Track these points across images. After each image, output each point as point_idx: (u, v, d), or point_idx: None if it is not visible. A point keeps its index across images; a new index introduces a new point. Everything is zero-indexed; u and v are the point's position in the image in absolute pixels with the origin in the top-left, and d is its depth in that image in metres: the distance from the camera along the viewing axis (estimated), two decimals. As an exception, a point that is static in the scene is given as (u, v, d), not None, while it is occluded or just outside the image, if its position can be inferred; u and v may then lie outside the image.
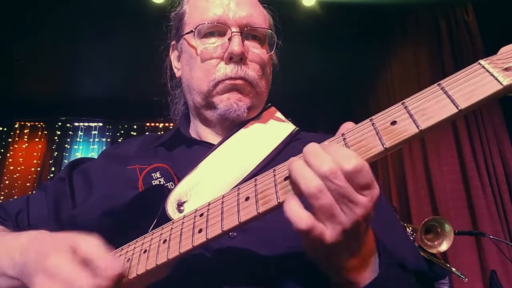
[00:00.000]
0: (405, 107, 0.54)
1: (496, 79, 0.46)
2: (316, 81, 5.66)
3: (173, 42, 1.17)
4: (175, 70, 1.17)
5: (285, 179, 0.59)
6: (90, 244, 0.65)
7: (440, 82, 0.52)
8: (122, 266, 0.65)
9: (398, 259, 0.81)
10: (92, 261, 0.63)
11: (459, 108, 0.48)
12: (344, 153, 0.54)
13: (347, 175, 0.53)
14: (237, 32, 0.98)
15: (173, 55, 1.18)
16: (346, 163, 0.53)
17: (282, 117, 1.13)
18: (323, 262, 0.63)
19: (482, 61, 0.49)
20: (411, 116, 0.52)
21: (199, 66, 1.02)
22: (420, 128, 0.51)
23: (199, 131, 1.10)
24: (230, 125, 1.03)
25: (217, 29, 1.01)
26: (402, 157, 4.45)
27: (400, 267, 0.71)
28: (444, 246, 2.95)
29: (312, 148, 0.57)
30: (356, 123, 0.59)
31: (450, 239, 2.93)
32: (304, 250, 0.64)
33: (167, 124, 6.64)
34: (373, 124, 0.56)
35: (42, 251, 0.67)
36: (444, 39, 4.28)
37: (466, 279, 2.71)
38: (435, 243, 2.98)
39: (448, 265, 2.87)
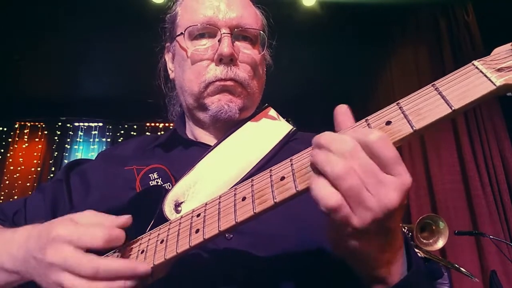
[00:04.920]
0: (400, 108, 0.54)
1: (489, 79, 0.47)
2: (315, 82, 5.66)
3: (167, 44, 1.18)
4: (169, 71, 1.18)
5: (281, 179, 0.60)
6: (87, 214, 0.70)
7: (434, 82, 0.53)
8: (125, 217, 0.70)
9: None
10: (95, 222, 0.68)
11: (453, 108, 0.49)
12: (364, 130, 0.53)
13: (371, 150, 0.52)
14: (227, 33, 0.99)
15: (167, 57, 1.19)
16: (369, 136, 0.52)
17: (279, 117, 1.13)
18: (352, 256, 0.61)
19: (475, 62, 0.50)
20: (405, 116, 0.53)
21: (190, 68, 1.02)
22: (414, 128, 0.52)
23: (194, 132, 1.10)
24: (223, 126, 1.04)
25: (207, 31, 1.02)
26: (402, 157, 4.38)
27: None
28: (440, 244, 2.95)
29: (328, 136, 0.55)
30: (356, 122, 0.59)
31: (445, 236, 2.93)
32: (332, 247, 0.63)
33: (167, 124, 6.63)
34: (368, 124, 0.56)
35: (43, 231, 0.69)
36: (444, 39, 4.27)
37: (476, 279, 2.68)
38: (431, 241, 2.98)
39: (456, 265, 2.86)
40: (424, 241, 2.98)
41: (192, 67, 1.02)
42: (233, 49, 0.98)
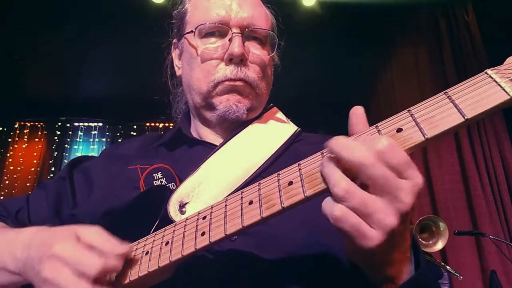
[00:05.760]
0: (411, 115, 0.53)
1: (504, 89, 0.46)
2: (315, 82, 5.65)
3: (174, 40, 1.17)
4: (176, 68, 1.17)
5: (289, 184, 0.59)
6: (93, 232, 0.68)
7: (447, 90, 0.52)
8: (126, 247, 0.67)
9: None
10: (97, 245, 0.65)
11: (466, 117, 0.48)
12: (372, 139, 0.52)
13: (381, 158, 0.51)
14: (238, 33, 0.98)
15: (174, 53, 1.18)
16: (377, 145, 0.51)
17: (284, 118, 1.13)
18: (364, 260, 0.61)
19: (489, 71, 0.49)
20: (417, 124, 0.52)
21: (199, 66, 1.02)
22: (426, 137, 0.51)
23: (200, 131, 1.10)
24: (230, 126, 1.03)
25: (218, 30, 1.01)
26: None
27: None
28: (439, 245, 2.93)
29: (339, 142, 0.53)
30: None
31: (445, 237, 2.92)
32: (348, 255, 0.63)
33: (167, 124, 6.61)
34: (378, 131, 0.55)
35: (46, 241, 0.69)
36: (444, 39, 4.27)
37: (461, 277, 2.67)
38: (430, 242, 2.97)
39: (443, 264, 2.85)
40: (424, 242, 2.97)
41: (201, 66, 1.01)
42: (243, 49, 0.97)
